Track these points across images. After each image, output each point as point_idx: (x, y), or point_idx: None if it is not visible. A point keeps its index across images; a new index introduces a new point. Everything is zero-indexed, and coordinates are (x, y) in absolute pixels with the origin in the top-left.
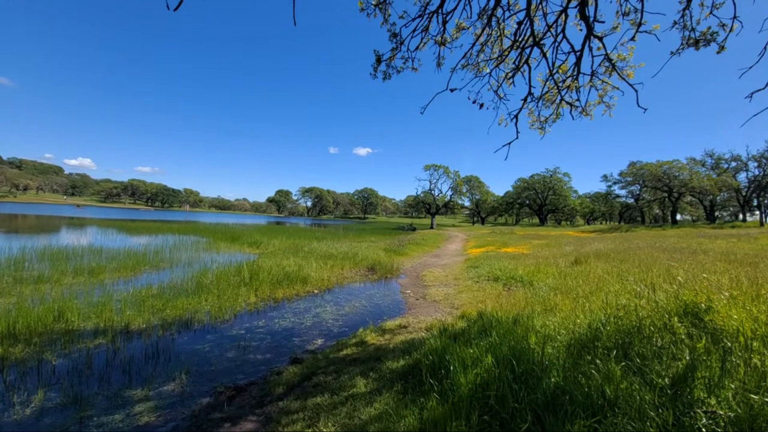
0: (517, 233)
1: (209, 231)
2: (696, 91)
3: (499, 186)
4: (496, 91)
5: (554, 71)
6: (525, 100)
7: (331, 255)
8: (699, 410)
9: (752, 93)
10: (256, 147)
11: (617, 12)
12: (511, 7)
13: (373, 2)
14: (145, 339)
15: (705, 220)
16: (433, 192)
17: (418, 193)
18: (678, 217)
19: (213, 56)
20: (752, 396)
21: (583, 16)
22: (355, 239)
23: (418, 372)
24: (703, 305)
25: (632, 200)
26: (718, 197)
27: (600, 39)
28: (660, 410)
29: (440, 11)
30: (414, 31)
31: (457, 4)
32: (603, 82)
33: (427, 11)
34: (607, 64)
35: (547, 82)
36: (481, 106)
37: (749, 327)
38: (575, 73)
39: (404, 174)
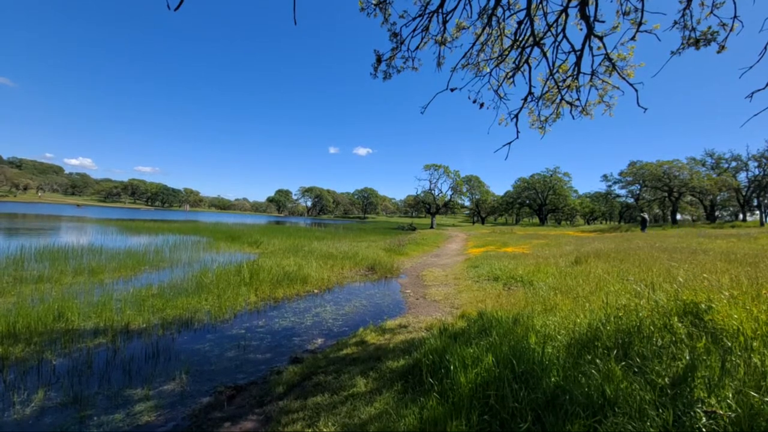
0: (517, 233)
1: (209, 230)
2: (696, 91)
3: (499, 186)
4: (496, 91)
5: (554, 71)
6: (525, 99)
7: (331, 255)
8: (699, 410)
9: (752, 93)
10: (256, 146)
11: (617, 11)
12: (511, 7)
13: (374, 2)
14: (145, 338)
15: (705, 220)
16: (433, 192)
17: (418, 192)
18: (678, 216)
19: (213, 55)
20: (752, 395)
21: (584, 16)
22: (355, 239)
23: (418, 371)
24: (703, 305)
25: (632, 200)
26: (718, 197)
27: (600, 38)
28: (660, 410)
29: (440, 11)
30: (414, 30)
31: (458, 4)
32: (603, 81)
33: (428, 11)
34: (607, 63)
35: (548, 82)
36: (482, 105)
37: (749, 327)
38: (575, 73)
39: (404, 174)
